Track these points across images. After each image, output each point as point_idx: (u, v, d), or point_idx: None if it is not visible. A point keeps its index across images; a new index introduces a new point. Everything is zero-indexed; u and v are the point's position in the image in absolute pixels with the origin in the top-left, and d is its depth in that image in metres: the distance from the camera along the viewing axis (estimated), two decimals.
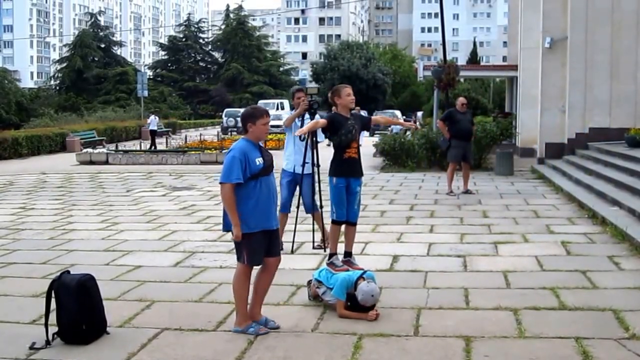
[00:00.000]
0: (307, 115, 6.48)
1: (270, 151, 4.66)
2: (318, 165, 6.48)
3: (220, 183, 4.18)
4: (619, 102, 14.36)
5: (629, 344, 4.01)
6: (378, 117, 6.95)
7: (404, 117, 43.01)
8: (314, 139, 6.43)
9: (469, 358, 3.87)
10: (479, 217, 8.68)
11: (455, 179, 11.07)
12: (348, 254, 5.80)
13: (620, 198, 8.70)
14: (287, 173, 6.71)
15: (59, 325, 4.15)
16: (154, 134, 25.49)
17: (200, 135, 27.11)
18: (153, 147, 23.16)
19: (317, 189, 6.57)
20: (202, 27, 72.50)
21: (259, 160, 4.22)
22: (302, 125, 6.36)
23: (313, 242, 6.70)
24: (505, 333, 4.23)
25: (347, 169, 5.62)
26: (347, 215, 5.67)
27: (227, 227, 4.29)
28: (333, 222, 5.72)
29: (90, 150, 20.29)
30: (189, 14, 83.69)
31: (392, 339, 4.17)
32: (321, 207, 6.60)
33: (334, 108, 5.72)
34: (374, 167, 15.32)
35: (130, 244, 7.25)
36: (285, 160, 6.75)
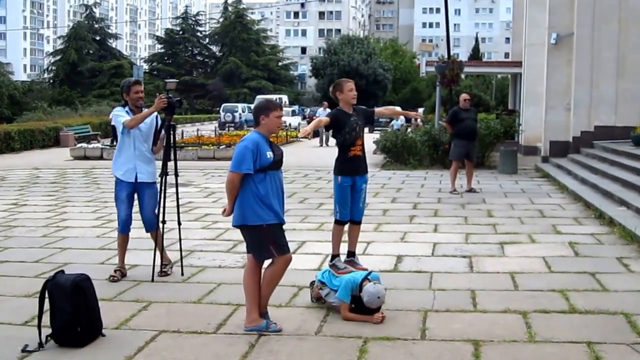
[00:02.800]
0: (157, 116, 5.55)
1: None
2: (176, 175, 5.69)
3: (230, 171, 4.18)
4: (625, 100, 14.25)
5: None
6: (382, 109, 6.80)
7: None
8: (171, 142, 5.52)
9: None
10: (484, 217, 8.54)
11: (458, 177, 10.93)
12: (351, 254, 5.66)
13: (628, 198, 8.57)
14: (127, 184, 5.54)
15: (52, 327, 4.01)
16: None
17: (198, 130, 26.90)
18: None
19: (161, 201, 5.66)
20: (199, 20, 72.23)
21: (269, 154, 4.20)
22: (157, 127, 5.57)
23: (154, 266, 5.54)
24: (514, 337, 4.11)
25: (352, 167, 5.51)
26: (351, 213, 5.54)
27: (236, 222, 4.25)
28: (336, 222, 5.58)
29: (84, 145, 20.11)
30: (187, 6, 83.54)
31: (399, 343, 4.05)
32: (164, 222, 5.66)
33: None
34: (374, 164, 15.13)
35: None
36: (121, 168, 5.55)
